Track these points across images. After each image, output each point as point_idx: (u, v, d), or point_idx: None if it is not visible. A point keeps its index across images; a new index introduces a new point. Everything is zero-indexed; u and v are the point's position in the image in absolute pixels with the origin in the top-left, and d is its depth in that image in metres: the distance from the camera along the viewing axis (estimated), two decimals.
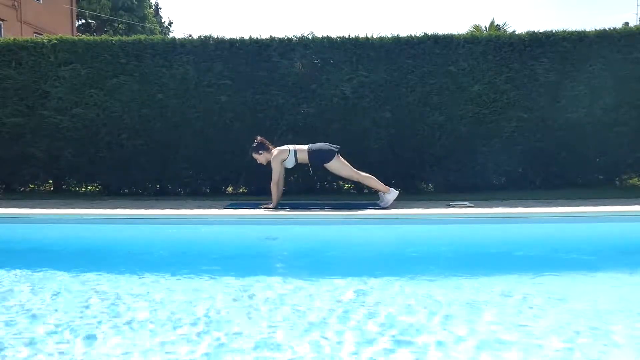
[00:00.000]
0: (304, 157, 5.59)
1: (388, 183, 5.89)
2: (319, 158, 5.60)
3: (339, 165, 5.63)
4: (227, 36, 6.77)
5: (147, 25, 31.25)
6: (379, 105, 6.68)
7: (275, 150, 5.62)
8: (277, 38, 6.76)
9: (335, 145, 5.64)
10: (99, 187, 7.36)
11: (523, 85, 6.66)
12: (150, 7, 34.13)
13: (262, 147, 5.66)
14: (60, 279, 3.54)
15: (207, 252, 4.54)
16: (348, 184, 7.06)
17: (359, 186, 6.78)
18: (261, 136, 5.80)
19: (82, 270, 3.75)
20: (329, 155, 5.55)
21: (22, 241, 4.91)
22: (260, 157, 5.67)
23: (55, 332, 2.54)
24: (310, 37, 6.79)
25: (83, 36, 10.62)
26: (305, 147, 5.63)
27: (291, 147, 5.65)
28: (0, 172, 7.17)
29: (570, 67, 6.63)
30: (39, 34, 19.07)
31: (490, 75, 6.64)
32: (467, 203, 5.63)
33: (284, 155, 5.57)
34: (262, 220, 5.14)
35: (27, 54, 6.84)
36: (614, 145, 6.73)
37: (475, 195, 6.21)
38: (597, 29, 6.74)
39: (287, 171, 5.93)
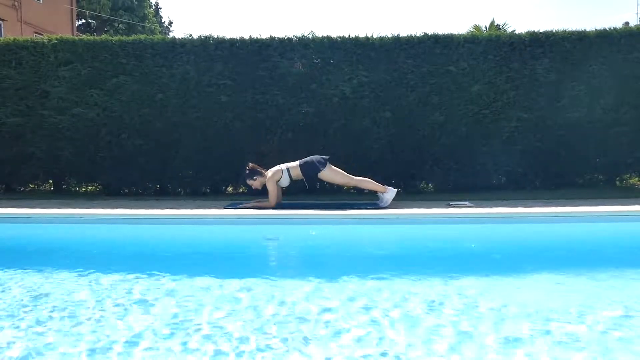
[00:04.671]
0: (297, 173, 5.68)
1: (388, 183, 5.89)
2: (311, 169, 5.66)
3: (332, 173, 5.71)
4: (227, 36, 6.78)
5: (147, 25, 31.25)
6: (379, 105, 6.68)
7: (269, 173, 5.69)
8: (277, 38, 6.76)
9: (324, 156, 5.73)
10: (99, 187, 7.36)
11: (523, 85, 6.66)
12: (150, 7, 34.15)
13: (255, 172, 5.73)
14: (60, 279, 3.54)
15: (207, 252, 4.54)
16: None
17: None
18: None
19: (82, 270, 3.75)
20: (320, 165, 5.64)
21: (22, 241, 4.91)
22: (255, 183, 5.74)
23: (55, 332, 2.54)
24: (310, 37, 6.79)
25: (83, 36, 10.61)
26: (296, 162, 5.71)
27: (283, 166, 5.71)
28: (0, 172, 7.18)
29: (570, 67, 6.63)
30: (39, 34, 19.09)
31: (490, 75, 6.64)
32: (467, 203, 5.63)
33: (278, 176, 5.64)
34: (262, 220, 5.14)
35: (27, 54, 6.84)
36: (614, 145, 6.72)
37: (475, 195, 6.20)
38: (597, 29, 6.74)
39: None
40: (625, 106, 6.66)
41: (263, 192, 5.82)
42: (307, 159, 5.72)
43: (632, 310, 2.93)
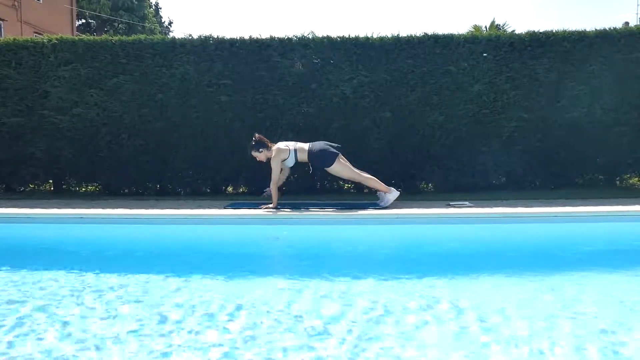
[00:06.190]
0: (304, 157, 5.54)
1: (388, 183, 5.89)
2: (320, 161, 5.54)
3: (341, 168, 5.57)
4: (227, 36, 6.77)
5: (147, 25, 31.24)
6: (379, 105, 6.68)
7: (275, 148, 5.54)
8: (277, 38, 6.76)
9: (335, 145, 5.60)
10: (99, 187, 7.36)
11: (523, 85, 6.66)
12: (150, 7, 34.13)
13: (261, 144, 5.58)
14: (60, 279, 3.54)
15: (207, 252, 4.54)
16: (348, 183, 7.05)
17: (359, 186, 6.77)
18: (261, 135, 5.79)
19: (82, 270, 3.75)
20: (329, 159, 5.49)
21: (22, 241, 4.91)
22: (260, 155, 5.59)
23: (54, 332, 2.54)
24: (310, 37, 6.79)
25: (83, 36, 10.61)
26: (306, 146, 5.56)
27: (291, 145, 5.56)
28: (0, 172, 7.17)
29: (570, 67, 6.63)
30: (39, 34, 19.08)
31: (490, 75, 6.64)
32: (467, 203, 5.63)
33: (284, 155, 5.50)
34: (262, 220, 5.14)
35: (27, 54, 6.84)
36: (614, 145, 6.72)
37: (475, 195, 6.21)
38: (597, 29, 6.74)
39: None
40: (625, 106, 6.66)
41: (266, 176, 5.67)
42: (318, 146, 5.54)
43: (631, 309, 2.93)
